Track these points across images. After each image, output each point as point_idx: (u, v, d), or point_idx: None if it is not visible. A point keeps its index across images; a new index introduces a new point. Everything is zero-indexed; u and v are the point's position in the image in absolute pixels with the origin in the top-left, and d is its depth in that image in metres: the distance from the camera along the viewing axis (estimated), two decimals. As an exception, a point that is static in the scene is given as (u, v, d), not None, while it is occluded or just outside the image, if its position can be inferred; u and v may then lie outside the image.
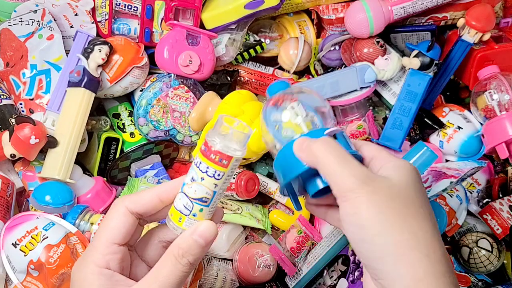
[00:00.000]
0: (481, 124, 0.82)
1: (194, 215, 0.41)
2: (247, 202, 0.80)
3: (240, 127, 0.40)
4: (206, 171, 0.39)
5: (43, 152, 0.71)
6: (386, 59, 0.79)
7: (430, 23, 0.85)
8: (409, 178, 0.41)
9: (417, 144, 0.66)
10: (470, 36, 0.79)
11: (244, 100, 0.73)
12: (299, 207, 0.49)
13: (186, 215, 0.40)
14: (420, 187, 0.42)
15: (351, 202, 0.39)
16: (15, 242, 0.62)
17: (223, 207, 0.75)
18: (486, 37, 0.79)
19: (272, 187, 0.80)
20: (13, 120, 0.71)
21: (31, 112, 0.75)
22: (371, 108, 0.87)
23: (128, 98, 0.83)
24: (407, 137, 0.83)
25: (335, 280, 0.69)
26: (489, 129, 0.79)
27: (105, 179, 0.77)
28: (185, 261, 0.39)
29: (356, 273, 0.66)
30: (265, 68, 0.86)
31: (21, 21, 0.74)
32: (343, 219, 0.40)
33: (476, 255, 0.78)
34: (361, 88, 0.80)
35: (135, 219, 0.42)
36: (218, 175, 0.40)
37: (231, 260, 0.76)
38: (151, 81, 0.80)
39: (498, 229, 0.80)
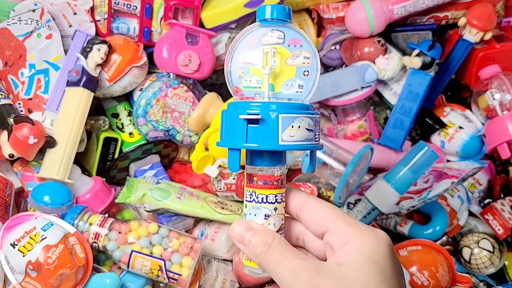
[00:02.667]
0: (483, 124, 0.82)
1: None
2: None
3: None
4: (275, 200, 0.39)
5: (41, 152, 0.71)
6: (387, 58, 0.79)
7: (431, 23, 0.84)
8: (371, 265, 0.33)
9: (418, 144, 0.66)
10: (471, 35, 0.79)
11: None
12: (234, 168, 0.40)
13: None
14: (390, 270, 0.34)
15: None
16: (14, 242, 0.62)
17: (222, 208, 0.74)
18: (488, 36, 0.79)
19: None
20: (11, 120, 0.71)
21: (30, 111, 0.75)
22: (372, 107, 0.87)
23: (127, 97, 0.83)
24: (408, 137, 0.83)
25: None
26: (490, 129, 0.78)
27: (104, 179, 0.77)
28: None
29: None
30: (265, 68, 0.85)
31: (20, 20, 0.73)
32: None
33: (478, 256, 0.78)
34: (362, 87, 0.80)
35: None
36: (283, 196, 0.39)
37: (231, 261, 0.76)
38: (150, 80, 0.80)
39: (499, 229, 0.80)
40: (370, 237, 0.34)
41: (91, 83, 0.72)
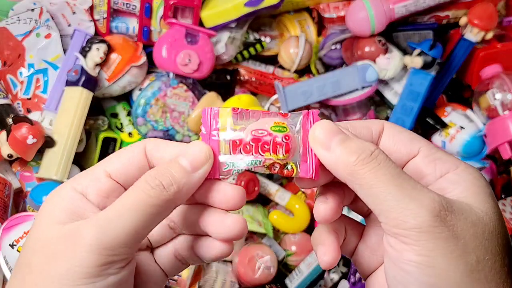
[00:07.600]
0: (484, 123, 0.82)
1: None
2: (247, 203, 0.80)
3: None
4: None
5: (40, 152, 0.71)
6: (387, 58, 0.79)
7: (432, 22, 0.84)
8: (494, 210, 0.28)
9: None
10: (472, 35, 0.79)
11: (243, 107, 0.71)
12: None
13: None
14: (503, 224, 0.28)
15: (418, 246, 0.26)
16: (13, 243, 0.61)
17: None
18: (489, 36, 0.79)
19: (272, 189, 0.80)
20: (10, 120, 0.71)
21: (29, 111, 0.74)
22: (372, 107, 0.86)
23: (126, 97, 0.83)
24: (408, 137, 0.83)
25: (336, 281, 0.68)
26: (491, 129, 0.78)
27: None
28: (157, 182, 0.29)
29: (357, 275, 0.66)
30: (265, 67, 0.85)
31: (19, 19, 0.73)
32: (397, 265, 0.27)
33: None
34: (363, 87, 0.79)
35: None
36: None
37: (231, 261, 0.75)
38: (149, 80, 0.80)
39: (500, 230, 0.80)
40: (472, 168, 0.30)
41: (90, 82, 0.72)
